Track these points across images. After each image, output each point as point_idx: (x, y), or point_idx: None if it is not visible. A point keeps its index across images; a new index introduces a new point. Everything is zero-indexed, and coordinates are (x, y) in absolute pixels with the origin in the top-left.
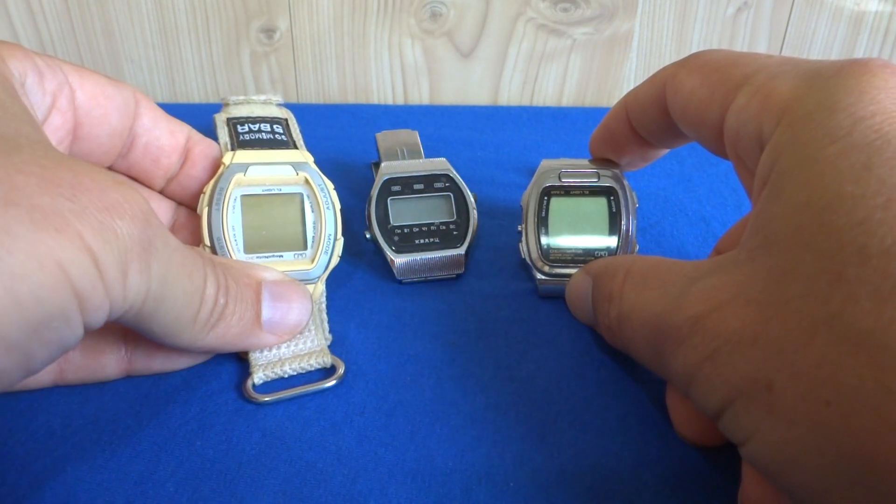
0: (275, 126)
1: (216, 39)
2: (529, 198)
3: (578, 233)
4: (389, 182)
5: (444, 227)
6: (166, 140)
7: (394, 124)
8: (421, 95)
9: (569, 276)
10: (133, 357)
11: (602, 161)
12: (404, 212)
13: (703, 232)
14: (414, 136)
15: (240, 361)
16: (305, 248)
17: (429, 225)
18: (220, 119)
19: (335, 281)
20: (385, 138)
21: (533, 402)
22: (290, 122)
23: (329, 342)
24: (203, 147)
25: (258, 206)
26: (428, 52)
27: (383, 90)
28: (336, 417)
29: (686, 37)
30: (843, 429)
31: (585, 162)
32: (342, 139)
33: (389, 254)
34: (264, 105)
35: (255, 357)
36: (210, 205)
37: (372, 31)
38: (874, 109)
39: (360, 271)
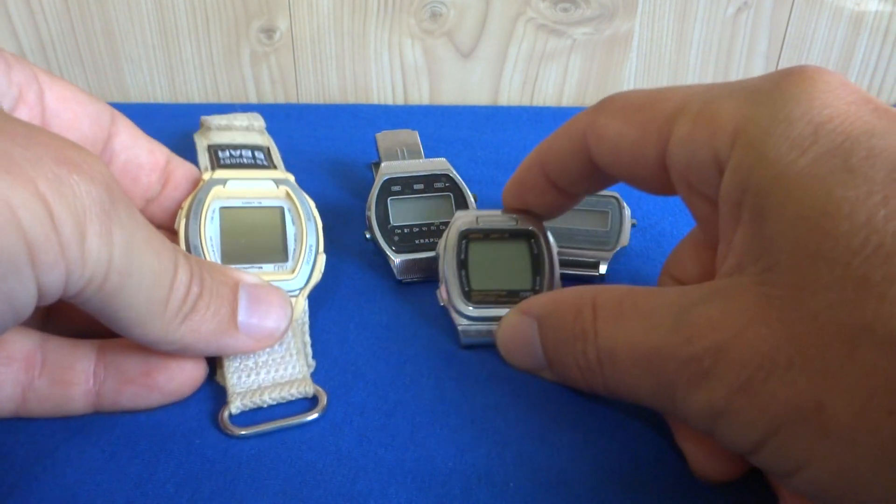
0: (256, 152)
1: (216, 39)
2: (446, 243)
3: (501, 274)
4: (389, 182)
5: (443, 227)
6: (145, 158)
7: (394, 124)
8: (421, 95)
9: (496, 318)
10: (102, 390)
11: (518, 210)
12: (404, 212)
13: None
14: (414, 136)
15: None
16: (286, 258)
17: (429, 225)
18: (201, 144)
19: (335, 281)
20: (385, 138)
21: (533, 402)
22: (271, 149)
23: (312, 369)
24: (185, 170)
25: (237, 217)
26: (428, 52)
27: (383, 90)
28: (336, 417)
29: (686, 37)
30: None
31: (499, 212)
32: (342, 139)
33: (389, 254)
34: (246, 132)
35: (232, 384)
36: (188, 217)
37: (372, 31)
38: (829, 113)
39: (360, 271)
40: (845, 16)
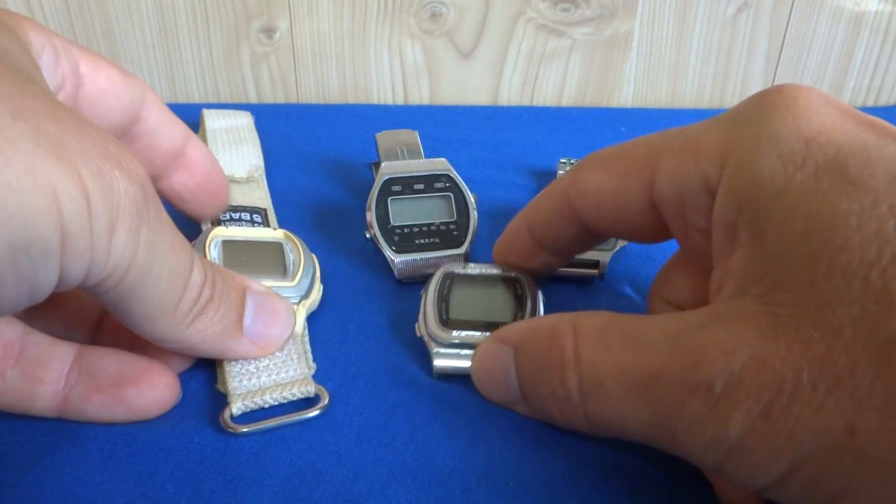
0: (254, 215)
1: (216, 39)
2: (429, 284)
3: (481, 308)
4: (389, 182)
5: (444, 228)
6: (167, 144)
7: (394, 124)
8: (421, 95)
9: (473, 344)
10: (70, 394)
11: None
12: (404, 212)
13: None
14: (414, 136)
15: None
16: (285, 275)
17: (429, 225)
18: None
19: (335, 281)
20: (385, 138)
21: None
22: (268, 212)
23: (313, 371)
24: (201, 155)
25: (239, 247)
26: (428, 53)
27: (383, 90)
28: (336, 418)
29: (686, 37)
30: None
31: (488, 264)
32: (342, 139)
33: (389, 254)
34: (246, 184)
35: (233, 386)
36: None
37: (372, 32)
38: (817, 128)
39: (360, 271)
40: (845, 16)
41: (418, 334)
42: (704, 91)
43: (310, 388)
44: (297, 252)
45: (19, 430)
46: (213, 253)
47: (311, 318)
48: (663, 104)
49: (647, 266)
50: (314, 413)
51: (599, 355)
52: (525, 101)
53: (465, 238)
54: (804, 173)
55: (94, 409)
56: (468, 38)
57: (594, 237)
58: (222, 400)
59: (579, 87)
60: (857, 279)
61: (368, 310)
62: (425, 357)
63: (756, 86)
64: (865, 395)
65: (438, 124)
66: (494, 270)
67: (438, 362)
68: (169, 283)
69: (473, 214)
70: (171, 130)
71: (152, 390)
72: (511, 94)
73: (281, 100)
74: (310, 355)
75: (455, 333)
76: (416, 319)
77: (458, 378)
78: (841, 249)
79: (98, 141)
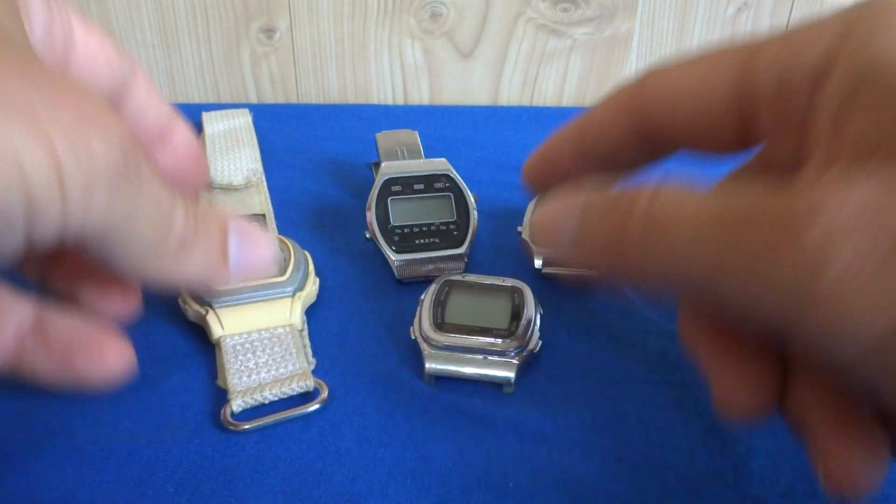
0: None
1: (216, 39)
2: (427, 291)
3: (477, 314)
4: (389, 182)
5: (444, 228)
6: (153, 121)
7: (394, 124)
8: (421, 95)
9: (466, 348)
10: (22, 350)
11: (540, 190)
12: (404, 212)
13: None
14: (414, 136)
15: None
16: (277, 270)
17: (429, 225)
18: None
19: (336, 281)
20: (385, 138)
21: (533, 402)
22: (267, 217)
23: (313, 366)
24: (182, 136)
25: None
26: (428, 53)
27: (383, 90)
28: (335, 417)
29: (686, 37)
30: None
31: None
32: (342, 139)
33: (389, 254)
34: (245, 190)
35: (233, 384)
36: None
37: (372, 32)
38: None
39: (360, 271)
40: None
41: (412, 337)
42: None
43: (309, 383)
44: (287, 250)
45: (19, 429)
46: None
47: (312, 318)
48: None
49: None
50: (314, 407)
51: (677, 196)
52: (525, 101)
53: (465, 238)
54: None
55: (43, 372)
56: (468, 38)
57: (654, 150)
58: (222, 399)
59: (579, 87)
60: None
61: (368, 310)
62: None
63: None
64: None
65: (438, 124)
66: (493, 280)
67: (430, 364)
68: (151, 233)
69: (473, 214)
70: (158, 109)
71: (103, 364)
72: (511, 94)
73: (281, 100)
74: (309, 350)
75: (448, 336)
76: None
77: (455, 380)
78: None
79: (76, 103)
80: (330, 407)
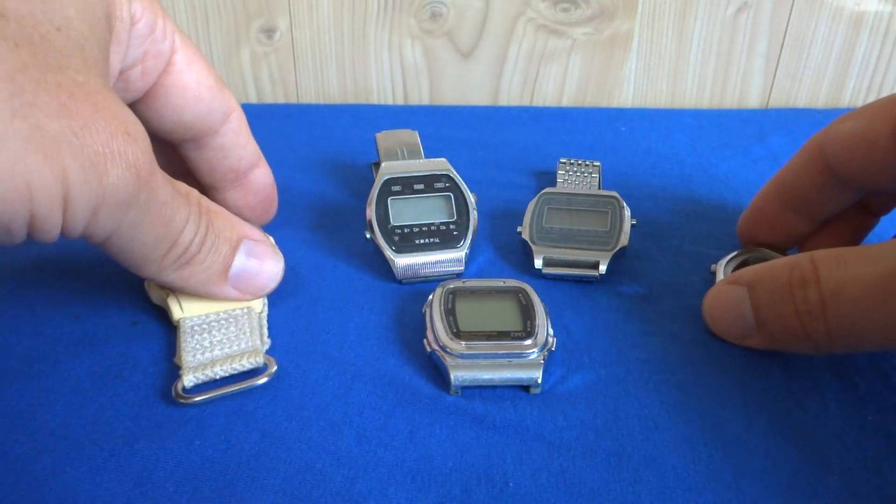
0: None
1: (216, 39)
2: (431, 300)
3: (489, 319)
4: (389, 182)
5: (444, 228)
6: (233, 164)
7: (394, 124)
8: (421, 95)
9: (488, 355)
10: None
11: (756, 244)
12: (404, 212)
13: (702, 227)
14: (414, 137)
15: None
16: None
17: (429, 225)
18: None
19: (335, 281)
20: (385, 138)
21: (532, 402)
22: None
23: (267, 346)
24: (262, 181)
25: None
26: (428, 53)
27: (383, 90)
28: (335, 417)
29: (686, 37)
30: None
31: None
32: (342, 139)
33: (389, 254)
34: None
35: (186, 361)
36: None
37: (372, 32)
38: None
39: (360, 271)
40: (845, 16)
41: (428, 350)
42: (704, 91)
43: (259, 359)
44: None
45: (19, 430)
46: None
47: (312, 318)
48: (663, 104)
49: (647, 266)
50: (262, 381)
51: (837, 271)
52: (525, 101)
53: (465, 238)
54: None
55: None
56: (468, 38)
57: (843, 190)
58: (223, 399)
59: (579, 87)
60: None
61: (368, 310)
62: (425, 358)
63: (756, 85)
64: None
65: (438, 124)
66: (494, 284)
67: (456, 374)
68: (153, 246)
69: (473, 214)
70: (242, 153)
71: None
72: (511, 94)
73: (281, 100)
74: (265, 330)
75: (469, 345)
76: (423, 334)
77: (475, 388)
78: None
79: (103, 135)
80: (330, 407)
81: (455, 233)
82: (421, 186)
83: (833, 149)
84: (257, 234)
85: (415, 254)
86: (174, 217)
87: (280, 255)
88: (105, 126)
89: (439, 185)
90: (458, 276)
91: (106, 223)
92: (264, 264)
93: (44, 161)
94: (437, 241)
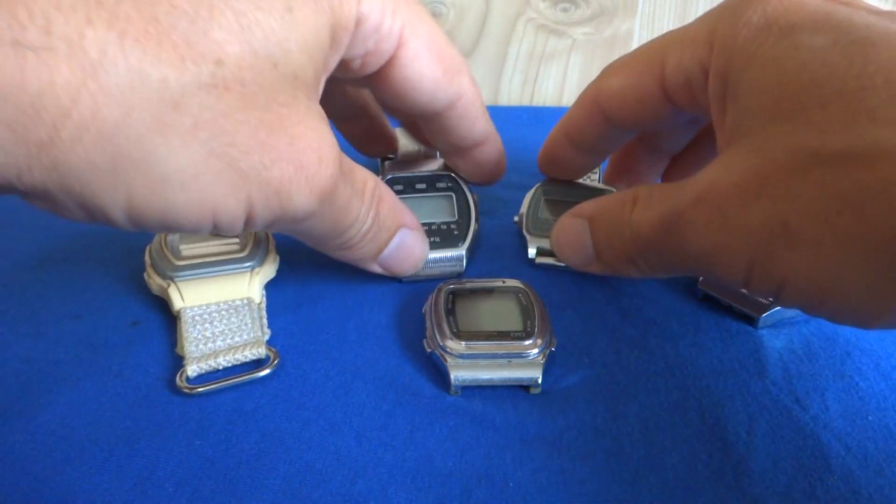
0: None
1: None
2: (432, 301)
3: (489, 319)
4: (391, 182)
5: (445, 227)
6: (455, 140)
7: (393, 124)
8: None
9: (488, 355)
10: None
11: (553, 175)
12: None
13: None
14: None
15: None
16: (237, 248)
17: (430, 225)
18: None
19: (335, 281)
20: (405, 133)
21: (532, 402)
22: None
23: (268, 336)
24: (490, 155)
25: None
26: None
27: None
28: (335, 417)
29: None
30: (861, 223)
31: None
32: (342, 139)
33: None
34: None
35: (189, 351)
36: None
37: None
38: (784, 7)
39: (360, 271)
40: None
41: (428, 350)
42: None
43: (261, 350)
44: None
45: (19, 429)
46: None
47: (312, 318)
48: None
49: None
50: (265, 372)
51: (643, 208)
52: (525, 101)
53: (466, 238)
54: (769, 42)
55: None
56: (468, 38)
57: (622, 133)
58: (224, 399)
59: (579, 87)
60: (798, 113)
61: (368, 309)
62: (425, 358)
63: None
64: (794, 196)
65: None
66: (494, 284)
67: (456, 374)
68: (320, 238)
69: (474, 214)
70: (465, 134)
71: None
72: (511, 94)
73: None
74: (265, 321)
75: (469, 345)
76: (423, 334)
77: (475, 388)
78: (785, 86)
79: (293, 164)
80: (330, 407)
81: (456, 232)
82: (423, 186)
83: (608, 104)
84: (414, 222)
85: None
86: (346, 217)
87: (427, 244)
88: (297, 157)
89: (441, 185)
90: (459, 275)
91: (283, 228)
92: (412, 252)
93: (231, 192)
94: (437, 240)
